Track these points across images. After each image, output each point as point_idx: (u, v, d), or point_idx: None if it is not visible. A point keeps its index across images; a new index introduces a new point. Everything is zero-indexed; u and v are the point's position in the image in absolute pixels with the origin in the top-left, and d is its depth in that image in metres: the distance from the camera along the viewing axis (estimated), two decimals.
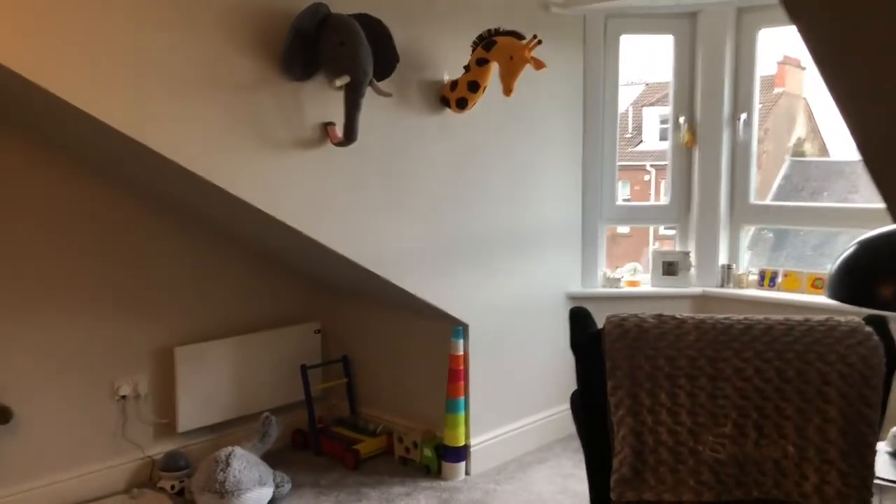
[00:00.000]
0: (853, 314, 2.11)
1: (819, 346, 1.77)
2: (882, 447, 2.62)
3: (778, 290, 3.74)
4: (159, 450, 3.41)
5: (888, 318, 1.89)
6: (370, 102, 2.81)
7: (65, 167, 3.09)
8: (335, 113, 2.81)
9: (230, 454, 3.03)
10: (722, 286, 3.87)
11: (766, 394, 1.77)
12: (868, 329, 1.80)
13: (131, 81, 2.37)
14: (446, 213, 3.31)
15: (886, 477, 2.43)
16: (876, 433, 1.75)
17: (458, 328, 3.42)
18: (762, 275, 3.82)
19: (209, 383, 3.48)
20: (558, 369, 3.90)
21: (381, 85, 2.85)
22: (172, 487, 3.25)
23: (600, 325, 2.05)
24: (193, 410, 3.45)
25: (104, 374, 3.26)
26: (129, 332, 3.32)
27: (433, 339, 3.58)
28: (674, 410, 1.81)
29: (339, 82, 2.69)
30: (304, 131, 2.80)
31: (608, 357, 1.89)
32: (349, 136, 2.76)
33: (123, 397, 3.30)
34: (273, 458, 3.49)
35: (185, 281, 3.49)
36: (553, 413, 3.90)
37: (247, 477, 2.98)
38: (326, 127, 2.83)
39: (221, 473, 2.95)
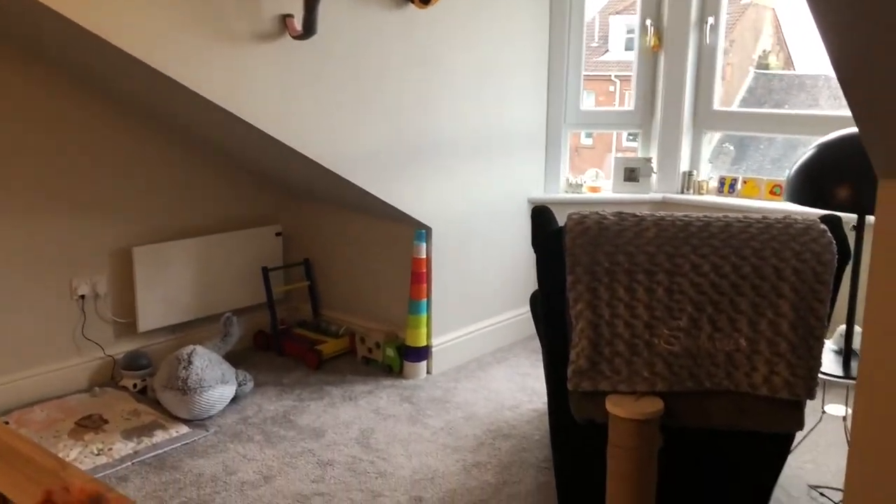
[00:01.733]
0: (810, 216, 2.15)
1: (775, 243, 1.81)
2: (829, 345, 2.72)
3: (737, 196, 3.79)
4: (121, 349, 3.41)
5: (841, 218, 1.93)
6: None
7: (18, 63, 2.96)
8: (294, 4, 2.72)
9: (192, 352, 3.04)
10: (682, 192, 3.90)
11: (721, 289, 1.81)
12: (822, 227, 1.83)
13: None
14: (410, 113, 3.26)
15: (831, 373, 2.54)
16: (825, 327, 1.80)
17: (420, 231, 3.42)
18: (722, 181, 3.86)
19: (169, 284, 3.46)
20: (519, 273, 3.94)
21: None
22: (135, 386, 3.27)
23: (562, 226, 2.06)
24: (153, 310, 3.44)
25: (62, 274, 3.22)
26: (88, 232, 3.27)
27: (396, 242, 3.59)
28: (631, 304, 1.84)
29: None
30: (261, 23, 2.70)
31: (569, 253, 1.91)
32: (308, 28, 2.67)
33: (82, 297, 3.27)
34: (235, 359, 3.51)
35: (145, 181, 3.42)
36: (513, 315, 3.97)
37: (209, 375, 3.00)
38: (285, 19, 2.74)
39: (184, 371, 2.97)
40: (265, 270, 3.75)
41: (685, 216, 1.92)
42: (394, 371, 3.57)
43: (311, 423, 3.06)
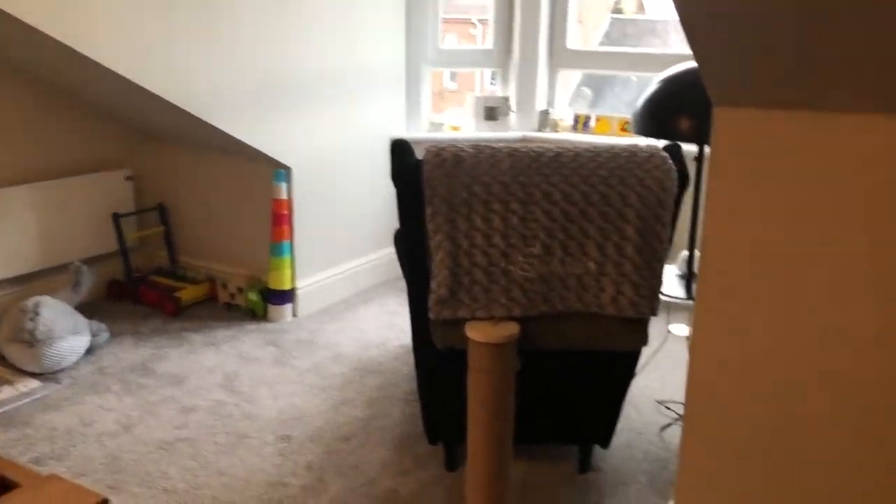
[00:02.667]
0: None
1: (621, 171, 1.89)
2: (673, 270, 2.90)
3: (591, 133, 3.93)
4: None
5: (681, 146, 2.04)
6: None
7: None
8: None
9: (38, 303, 2.88)
10: (540, 130, 4.00)
11: (571, 216, 1.88)
12: (664, 155, 1.93)
13: None
14: (266, 49, 3.16)
15: (676, 295, 2.71)
16: (666, 249, 1.92)
17: (280, 171, 3.35)
18: (576, 119, 3.99)
19: (10, 232, 3.24)
20: (384, 214, 3.95)
21: None
22: None
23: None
24: None
25: None
26: None
27: (255, 184, 3.50)
28: (488, 234, 1.89)
29: None
30: None
31: (427, 185, 1.93)
32: None
33: None
34: (89, 310, 3.35)
35: None
36: (380, 256, 3.98)
37: (59, 326, 2.86)
38: None
39: (30, 322, 2.81)
40: (116, 217, 3.57)
41: (538, 147, 1.98)
42: (258, 315, 3.52)
43: (172, 370, 2.98)
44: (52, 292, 3.14)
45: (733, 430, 1.81)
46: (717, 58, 1.62)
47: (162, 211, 3.83)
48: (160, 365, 3.02)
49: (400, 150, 2.07)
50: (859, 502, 1.71)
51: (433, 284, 1.94)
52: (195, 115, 2.95)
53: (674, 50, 3.82)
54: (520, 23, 3.89)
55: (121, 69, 2.68)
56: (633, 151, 1.94)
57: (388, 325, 3.47)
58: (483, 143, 1.99)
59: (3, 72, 3.19)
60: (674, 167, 1.92)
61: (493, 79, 4.31)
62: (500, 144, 2.00)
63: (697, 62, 1.58)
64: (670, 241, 1.94)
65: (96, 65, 2.63)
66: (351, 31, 3.53)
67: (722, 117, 1.70)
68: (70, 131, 3.49)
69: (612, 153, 1.95)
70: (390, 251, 4.04)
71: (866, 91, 1.47)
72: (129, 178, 3.68)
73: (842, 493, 1.72)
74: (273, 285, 3.44)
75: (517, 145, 2.00)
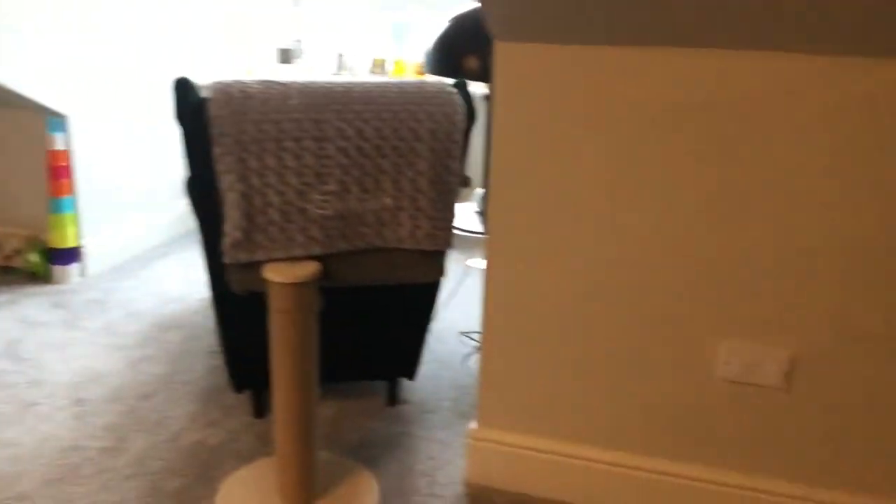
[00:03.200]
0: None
1: (411, 106, 1.91)
2: (473, 207, 3.00)
3: (388, 76, 3.94)
4: None
5: (466, 82, 2.09)
6: None
7: None
8: None
9: None
10: (338, 73, 3.96)
11: (365, 152, 1.89)
12: (452, 90, 1.97)
13: None
14: None
15: (475, 230, 2.81)
16: (457, 182, 1.98)
17: (54, 120, 3.08)
18: (373, 63, 3.98)
19: None
20: (178, 162, 3.76)
21: None
22: None
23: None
24: None
25: None
26: None
27: (26, 134, 3.20)
28: (281, 172, 1.85)
29: None
30: None
31: (214, 124, 1.85)
32: None
33: None
34: None
35: None
36: (176, 207, 3.80)
37: None
38: None
39: None
40: None
41: (328, 82, 1.96)
42: (39, 277, 3.25)
43: None
44: None
45: (524, 342, 1.92)
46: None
47: None
48: None
49: (183, 89, 1.97)
50: (636, 408, 1.88)
51: (226, 228, 1.88)
52: None
53: None
54: None
55: None
56: (420, 87, 1.97)
57: (186, 280, 3.34)
58: (272, 81, 1.93)
59: None
60: (461, 101, 1.97)
61: None
62: (289, 80, 1.95)
63: (481, 5, 1.62)
64: (462, 174, 2.00)
65: None
66: None
67: (502, 49, 1.77)
68: None
69: (401, 89, 1.96)
70: (180, 205, 3.87)
71: (632, 25, 1.58)
72: None
73: (621, 402, 1.89)
74: (55, 244, 3.19)
75: (306, 80, 1.97)
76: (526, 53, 1.74)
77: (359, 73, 3.95)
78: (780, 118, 1.58)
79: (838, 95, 1.54)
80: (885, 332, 1.65)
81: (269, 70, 3.90)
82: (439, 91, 1.96)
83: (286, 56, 3.88)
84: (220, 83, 1.91)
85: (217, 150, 1.85)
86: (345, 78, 3.78)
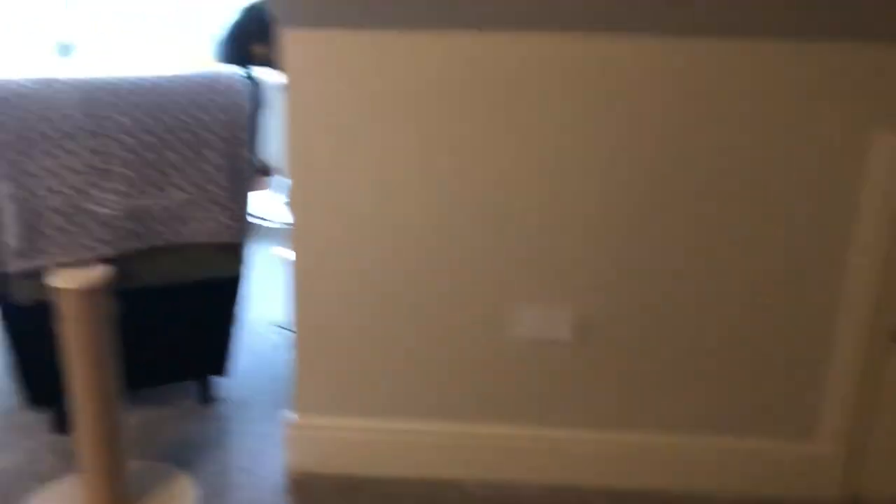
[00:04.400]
0: None
1: (195, 96, 1.87)
2: (283, 199, 2.98)
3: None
4: None
5: (252, 69, 2.08)
6: None
7: None
8: None
9: None
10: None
11: (150, 145, 1.83)
12: (237, 76, 1.95)
13: None
14: None
15: (283, 220, 2.79)
16: (250, 169, 1.96)
17: None
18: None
19: None
20: None
21: None
22: None
23: None
24: None
25: None
26: None
27: None
28: (59, 173, 1.76)
29: None
30: None
31: None
32: None
33: None
34: None
35: None
36: None
37: None
38: None
39: None
40: None
41: (112, 77, 1.87)
42: None
43: None
44: None
45: (334, 327, 1.95)
46: None
47: None
48: None
49: None
50: (443, 375, 1.96)
51: (7, 237, 1.76)
52: None
53: None
54: None
55: None
56: (204, 74, 1.93)
57: None
58: (47, 76, 1.82)
59: None
60: (246, 87, 1.95)
61: None
62: (70, 78, 1.85)
63: None
64: (255, 162, 1.99)
65: None
66: None
67: (288, 38, 1.77)
68: None
69: (185, 78, 1.92)
70: None
71: (412, 10, 1.63)
72: None
73: (428, 371, 1.96)
74: None
75: (88, 76, 1.87)
76: (312, 40, 1.75)
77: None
78: (560, 96, 1.70)
79: (611, 73, 1.68)
80: (653, 288, 1.83)
81: (46, 64, 3.64)
82: (225, 78, 1.93)
83: (65, 50, 3.64)
84: None
85: None
86: (127, 70, 3.62)
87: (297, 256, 1.93)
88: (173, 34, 3.96)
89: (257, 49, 2.41)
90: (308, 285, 1.93)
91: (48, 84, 1.81)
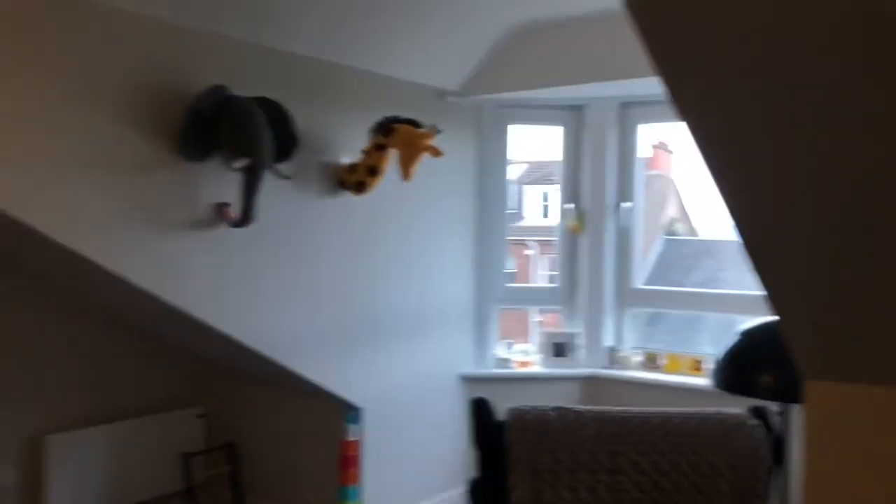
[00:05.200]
0: (736, 402, 2.21)
1: (711, 440, 1.85)
2: None
3: (662, 372, 3.88)
4: None
5: (770, 411, 2.00)
6: (267, 182, 2.78)
7: None
8: (232, 193, 2.76)
9: None
10: (609, 367, 3.98)
11: (662, 487, 1.82)
12: (754, 422, 1.89)
13: (15, 157, 2.26)
14: (341, 294, 3.29)
15: None
16: None
17: (351, 413, 3.36)
18: (646, 357, 3.96)
19: (82, 474, 3.25)
20: (453, 451, 3.87)
21: (281, 167, 2.84)
22: None
23: (497, 409, 2.06)
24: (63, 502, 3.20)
25: None
26: None
27: (325, 424, 3.49)
28: None
29: (238, 165, 2.65)
30: (198, 212, 2.73)
31: (510, 450, 1.90)
32: (246, 217, 2.71)
33: None
34: None
35: (58, 363, 3.28)
36: (450, 495, 3.86)
37: None
38: (221, 207, 2.77)
39: None
40: (185, 457, 3.57)
41: (622, 411, 1.96)
42: None
43: None
44: None
45: None
46: (809, 330, 1.62)
47: (230, 449, 3.82)
48: None
49: (480, 410, 2.06)
50: None
51: None
52: (275, 359, 3.03)
53: (741, 290, 3.84)
54: (584, 263, 3.99)
55: (210, 319, 2.80)
56: (720, 419, 1.91)
57: None
58: (566, 407, 1.98)
59: (91, 317, 3.36)
60: (766, 436, 1.86)
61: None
62: (584, 408, 1.99)
63: (785, 334, 1.58)
64: None
65: (182, 312, 2.75)
66: (423, 272, 3.67)
67: (815, 391, 1.67)
68: (145, 370, 3.59)
69: (699, 420, 1.91)
70: (457, 491, 3.92)
71: None
72: (200, 417, 3.72)
73: None
74: None
75: (601, 408, 1.99)
76: (843, 394, 1.63)
77: (631, 368, 3.94)
78: None
79: None
80: None
81: (542, 362, 4.02)
82: (741, 423, 1.88)
83: (559, 349, 4.00)
84: (517, 409, 1.98)
85: (511, 478, 1.88)
86: (617, 371, 3.77)
87: None
88: None
89: (764, 380, 2.34)
90: None
91: (570, 415, 1.95)
